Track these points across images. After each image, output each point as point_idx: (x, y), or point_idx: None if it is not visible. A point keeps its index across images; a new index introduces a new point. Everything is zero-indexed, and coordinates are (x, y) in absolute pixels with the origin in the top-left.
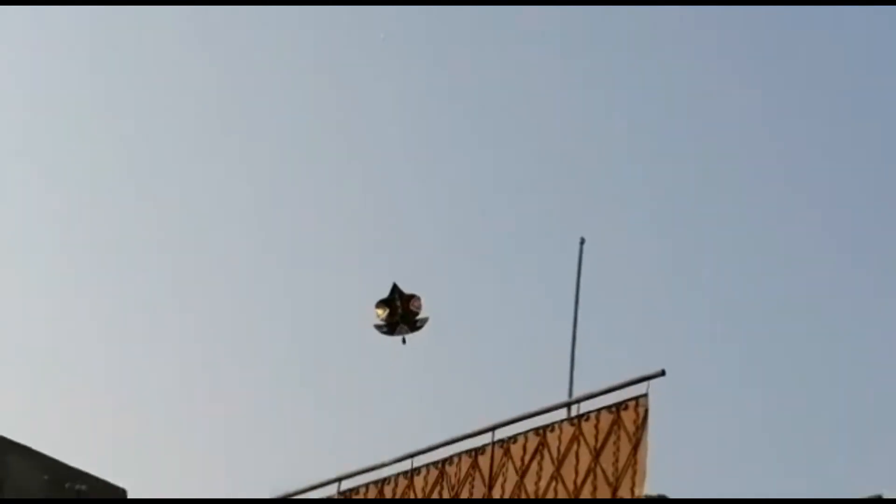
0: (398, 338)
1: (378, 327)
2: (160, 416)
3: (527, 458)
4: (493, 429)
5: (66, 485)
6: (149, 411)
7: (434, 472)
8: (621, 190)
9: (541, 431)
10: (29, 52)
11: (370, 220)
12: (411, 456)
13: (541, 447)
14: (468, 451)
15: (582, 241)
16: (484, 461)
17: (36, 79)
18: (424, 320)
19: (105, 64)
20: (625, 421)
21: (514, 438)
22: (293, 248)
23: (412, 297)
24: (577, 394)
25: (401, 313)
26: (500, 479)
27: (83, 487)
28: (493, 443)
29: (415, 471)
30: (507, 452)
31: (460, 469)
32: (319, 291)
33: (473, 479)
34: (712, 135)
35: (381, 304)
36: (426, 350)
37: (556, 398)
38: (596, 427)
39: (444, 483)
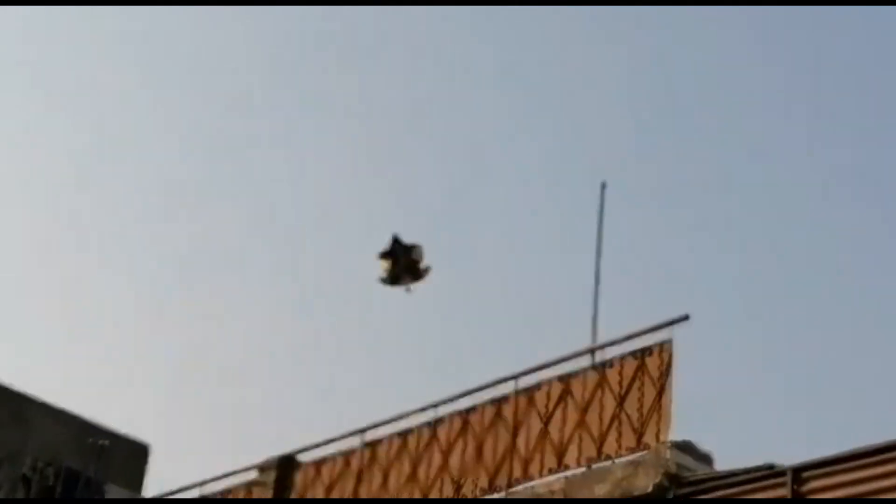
0: (402, 288)
1: (382, 280)
2: (182, 375)
3: (551, 406)
4: (516, 377)
5: (90, 440)
6: (172, 371)
7: (458, 422)
8: (642, 134)
9: (564, 379)
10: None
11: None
12: (434, 406)
13: (565, 395)
14: (491, 401)
15: (603, 186)
16: (507, 410)
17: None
18: (427, 269)
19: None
20: (649, 367)
21: (537, 386)
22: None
23: (413, 246)
24: (600, 340)
25: (403, 263)
26: (524, 428)
27: (105, 442)
28: (517, 391)
29: (438, 421)
30: (530, 401)
31: (484, 418)
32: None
33: (497, 429)
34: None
35: (384, 255)
36: (448, 298)
37: (579, 345)
38: (620, 374)
39: (469, 433)
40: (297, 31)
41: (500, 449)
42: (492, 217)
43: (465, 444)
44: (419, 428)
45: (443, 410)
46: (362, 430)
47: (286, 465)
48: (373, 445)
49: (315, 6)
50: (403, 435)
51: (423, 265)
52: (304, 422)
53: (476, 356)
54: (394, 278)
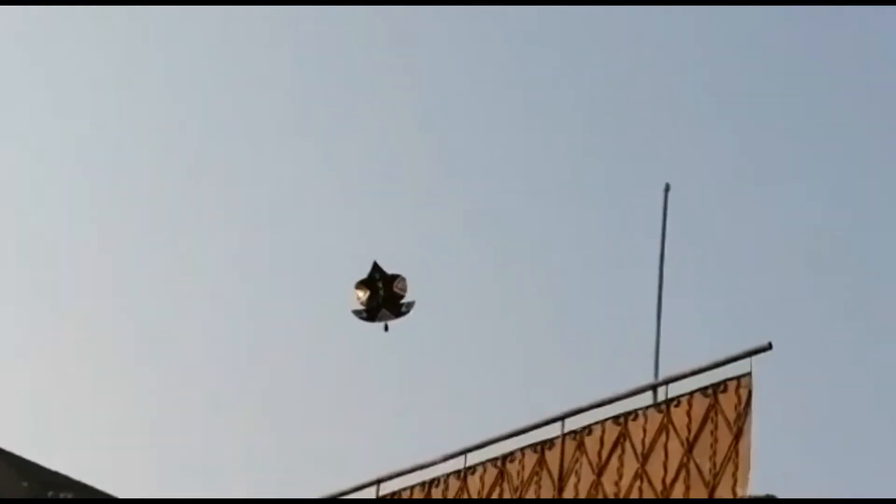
0: (378, 325)
1: (356, 312)
2: (156, 420)
3: (605, 453)
4: (562, 418)
5: (50, 493)
6: (144, 414)
7: (493, 471)
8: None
9: (621, 420)
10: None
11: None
12: (465, 452)
13: (621, 439)
14: (533, 445)
15: (667, 189)
16: (553, 456)
17: None
18: (410, 304)
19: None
20: (723, 405)
21: (588, 429)
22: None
23: (395, 277)
24: (663, 374)
25: (382, 296)
26: (573, 478)
27: (69, 496)
28: (564, 434)
29: (469, 469)
30: (580, 446)
31: (524, 466)
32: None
33: (540, 478)
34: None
35: (362, 284)
36: (481, 322)
37: (638, 380)
38: (688, 414)
39: (505, 483)
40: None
41: None
42: (529, 226)
43: (501, 495)
44: (446, 478)
45: (475, 457)
46: (378, 482)
47: None
48: (391, 500)
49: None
50: (427, 486)
51: (405, 300)
52: (312, 471)
53: (514, 392)
54: (371, 312)
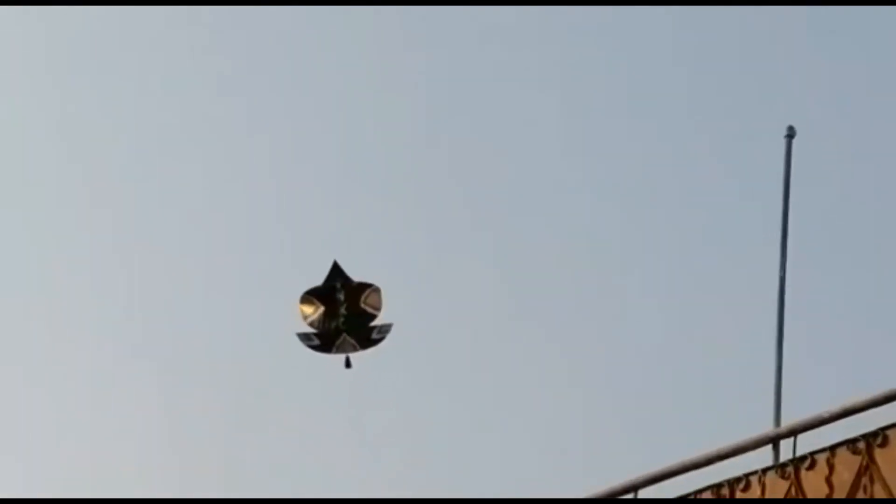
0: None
1: (303, 337)
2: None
3: None
4: (636, 488)
5: None
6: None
7: None
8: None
9: (725, 489)
10: None
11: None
12: None
13: None
14: None
15: (790, 134)
16: None
17: None
18: (386, 328)
19: None
20: (881, 464)
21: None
22: None
23: (365, 287)
24: (787, 420)
25: (344, 315)
26: None
27: None
28: None
29: None
30: None
31: None
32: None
33: None
34: None
35: (312, 297)
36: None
37: (749, 429)
38: (828, 480)
39: None
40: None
41: None
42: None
43: None
44: None
45: None
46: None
47: None
48: None
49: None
50: None
51: (377, 322)
52: None
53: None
54: (325, 337)
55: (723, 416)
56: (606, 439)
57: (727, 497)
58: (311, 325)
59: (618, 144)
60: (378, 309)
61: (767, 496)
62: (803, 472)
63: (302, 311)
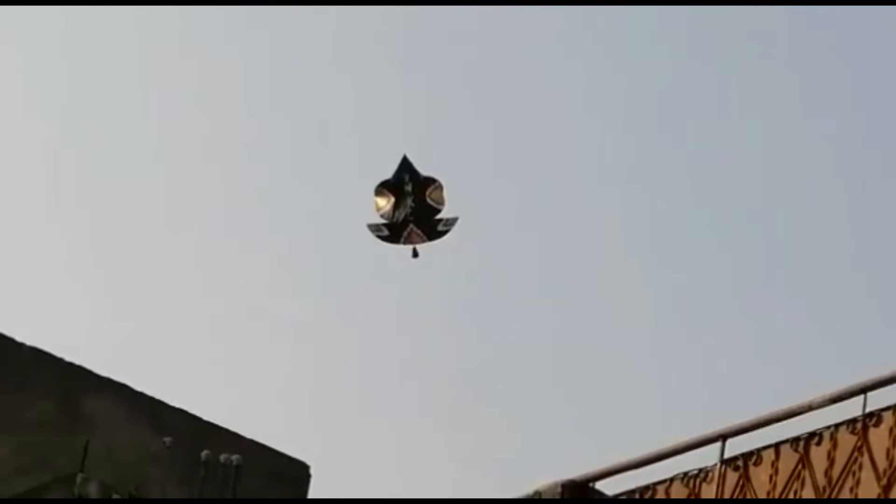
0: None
1: (373, 227)
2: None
3: (777, 489)
4: (724, 437)
5: (204, 453)
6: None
7: None
8: None
9: (799, 445)
10: None
11: None
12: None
13: (800, 468)
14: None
15: None
16: (708, 491)
17: None
18: (452, 221)
19: None
20: None
21: (756, 456)
22: None
23: (430, 182)
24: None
25: (411, 206)
26: None
27: (233, 459)
28: (723, 461)
29: None
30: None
31: None
32: None
33: None
34: None
35: (382, 189)
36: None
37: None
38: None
39: None
40: None
41: None
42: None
43: None
44: None
45: None
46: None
47: None
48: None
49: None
50: None
51: (443, 216)
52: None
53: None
54: (394, 228)
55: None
56: None
57: (800, 448)
58: (382, 216)
59: None
60: (441, 204)
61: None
62: (870, 428)
63: (376, 202)
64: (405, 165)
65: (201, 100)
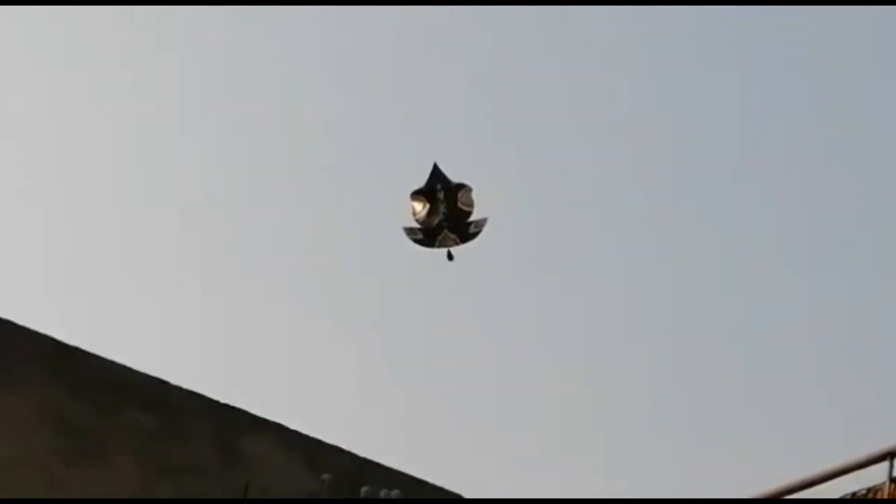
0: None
1: (410, 232)
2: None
3: None
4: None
5: (363, 489)
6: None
7: None
8: None
9: None
10: None
11: None
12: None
13: None
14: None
15: None
16: None
17: None
18: (482, 222)
19: None
20: None
21: None
22: None
23: (461, 187)
24: None
25: (444, 213)
26: None
27: (393, 493)
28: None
29: None
30: None
31: None
32: None
33: None
34: None
35: (418, 195)
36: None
37: None
38: None
39: None
40: None
41: None
42: None
43: None
44: None
45: None
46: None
47: None
48: None
49: None
50: None
51: (474, 219)
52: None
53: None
54: (429, 233)
55: None
56: None
57: None
58: (417, 220)
59: None
60: (471, 206)
61: None
62: None
63: (413, 207)
64: (436, 173)
65: (207, 98)
